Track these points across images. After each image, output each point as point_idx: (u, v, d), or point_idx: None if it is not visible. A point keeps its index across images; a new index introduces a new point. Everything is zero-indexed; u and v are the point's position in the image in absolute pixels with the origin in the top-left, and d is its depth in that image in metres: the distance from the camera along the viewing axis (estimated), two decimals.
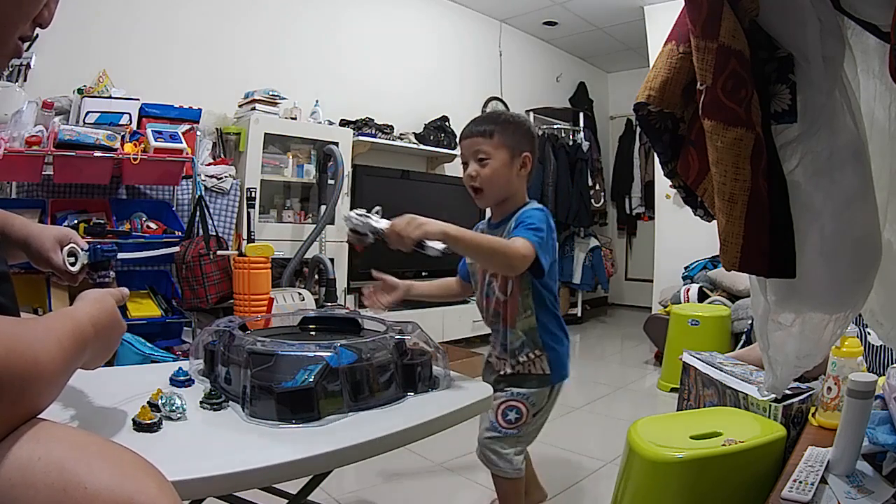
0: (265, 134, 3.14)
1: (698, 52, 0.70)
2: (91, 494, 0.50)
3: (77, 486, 0.50)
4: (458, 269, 1.62)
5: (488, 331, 1.55)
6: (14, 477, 0.50)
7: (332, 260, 3.19)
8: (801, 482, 0.90)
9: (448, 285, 1.63)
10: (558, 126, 5.22)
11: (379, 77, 4.15)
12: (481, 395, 1.06)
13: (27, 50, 2.58)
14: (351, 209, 1.32)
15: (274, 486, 1.11)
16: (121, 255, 0.92)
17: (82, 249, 0.91)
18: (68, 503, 0.50)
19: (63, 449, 0.53)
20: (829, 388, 1.15)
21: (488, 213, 1.54)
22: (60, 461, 0.52)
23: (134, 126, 2.61)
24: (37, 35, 2.64)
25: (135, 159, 2.40)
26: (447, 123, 4.20)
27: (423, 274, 3.95)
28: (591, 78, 6.21)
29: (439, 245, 1.18)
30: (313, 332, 1.20)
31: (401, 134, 3.97)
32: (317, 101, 3.49)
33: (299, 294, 2.80)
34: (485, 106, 4.86)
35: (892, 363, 1.26)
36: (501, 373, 1.46)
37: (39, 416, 0.60)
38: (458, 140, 1.53)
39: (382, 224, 1.17)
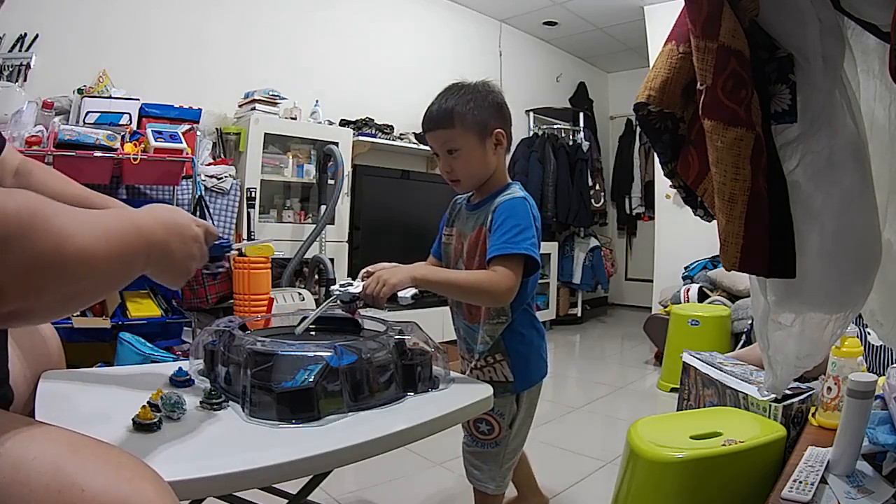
0: (265, 134, 3.14)
1: (698, 52, 0.70)
2: (87, 497, 0.50)
3: (73, 488, 0.50)
4: (431, 251, 1.47)
5: None
6: (8, 474, 0.49)
7: (332, 260, 3.19)
8: (801, 482, 0.90)
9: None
10: (558, 126, 5.22)
11: (379, 77, 4.15)
12: (481, 395, 1.06)
13: (27, 49, 2.58)
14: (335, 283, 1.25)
15: (274, 486, 1.11)
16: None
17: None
18: None
19: (59, 450, 0.52)
20: (829, 388, 1.15)
21: None
22: (56, 462, 0.51)
23: (134, 126, 2.61)
24: (37, 35, 2.65)
25: (135, 159, 2.40)
26: None
27: None
28: (591, 78, 6.21)
29: (409, 293, 1.13)
30: (313, 332, 1.20)
31: (401, 134, 3.97)
32: (317, 101, 3.49)
33: (299, 294, 2.80)
34: None
35: (892, 363, 1.26)
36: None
37: (35, 419, 0.59)
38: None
39: (357, 289, 1.15)
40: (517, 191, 1.29)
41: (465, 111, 1.23)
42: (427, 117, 1.29)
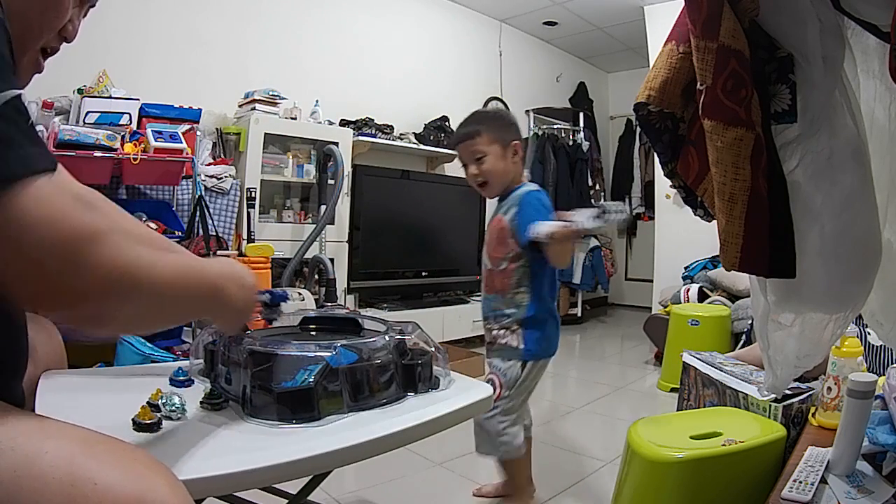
0: (265, 134, 3.14)
1: (698, 52, 0.70)
2: (101, 490, 0.50)
3: (87, 482, 0.50)
4: None
5: None
6: (20, 468, 0.49)
7: (332, 260, 3.19)
8: (801, 482, 0.90)
9: None
10: (558, 126, 5.21)
11: (379, 77, 4.15)
12: (481, 395, 1.06)
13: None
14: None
15: (274, 486, 1.11)
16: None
17: (259, 292, 0.97)
18: (77, 498, 0.49)
19: (73, 445, 0.53)
20: (829, 388, 1.15)
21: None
22: (70, 456, 0.51)
23: (134, 126, 2.60)
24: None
25: (135, 159, 2.40)
26: (447, 123, 4.20)
27: (423, 274, 3.95)
28: (591, 78, 6.21)
29: (618, 206, 1.32)
30: (313, 332, 1.20)
31: (401, 134, 3.96)
32: (317, 101, 3.49)
33: (299, 294, 2.80)
34: (485, 106, 4.86)
35: (892, 363, 1.26)
36: (489, 342, 1.61)
37: (45, 416, 0.60)
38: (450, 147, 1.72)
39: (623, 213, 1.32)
40: (535, 186, 1.60)
41: (489, 127, 1.56)
42: (457, 134, 1.62)
